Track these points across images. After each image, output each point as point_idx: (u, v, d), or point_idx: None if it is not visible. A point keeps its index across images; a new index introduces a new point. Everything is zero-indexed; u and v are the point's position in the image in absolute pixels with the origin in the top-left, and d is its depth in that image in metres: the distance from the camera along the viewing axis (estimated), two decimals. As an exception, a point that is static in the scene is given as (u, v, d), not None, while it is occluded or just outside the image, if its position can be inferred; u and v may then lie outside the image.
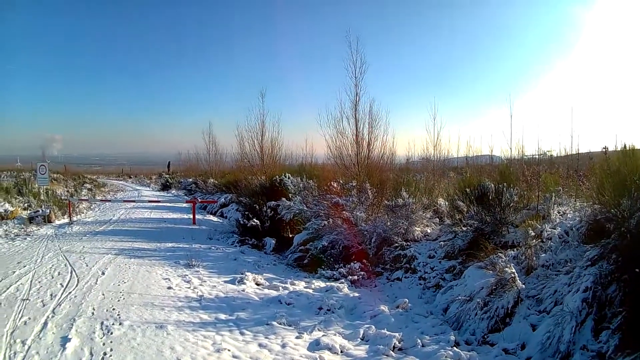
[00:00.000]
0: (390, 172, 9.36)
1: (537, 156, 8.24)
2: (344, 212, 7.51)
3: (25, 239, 10.57)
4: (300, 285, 6.12)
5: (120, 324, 4.70)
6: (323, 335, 4.24)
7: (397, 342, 3.86)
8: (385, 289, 6.21)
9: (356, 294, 5.72)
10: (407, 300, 5.08)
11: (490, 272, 4.44)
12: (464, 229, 6.16)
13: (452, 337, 3.86)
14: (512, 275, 4.13)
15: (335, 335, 4.29)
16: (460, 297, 4.51)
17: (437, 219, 7.34)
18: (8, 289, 6.09)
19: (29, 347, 4.14)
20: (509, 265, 4.27)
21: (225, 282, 6.56)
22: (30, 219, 13.38)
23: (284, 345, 4.07)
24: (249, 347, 4.08)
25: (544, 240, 4.92)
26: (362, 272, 6.40)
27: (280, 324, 4.60)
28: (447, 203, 7.38)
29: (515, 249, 5.01)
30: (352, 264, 6.54)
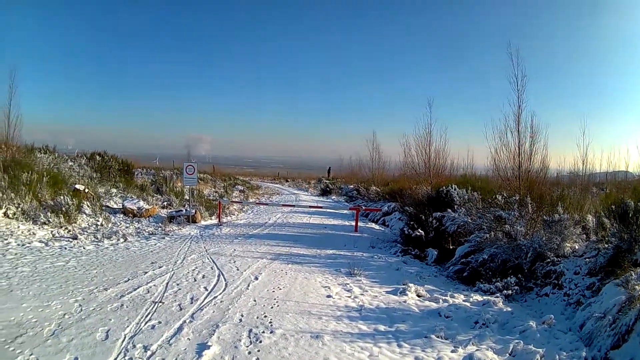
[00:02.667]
0: (545, 186, 9.68)
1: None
2: (505, 225, 8.02)
3: (164, 238, 11.14)
4: (459, 299, 6.64)
5: (271, 332, 4.98)
6: (476, 350, 4.64)
7: (539, 358, 4.38)
8: (534, 304, 6.60)
9: (509, 309, 6.13)
10: (553, 316, 5.51)
11: (623, 289, 4.93)
12: (606, 246, 6.50)
13: (583, 354, 4.44)
14: (640, 292, 4.61)
15: (487, 349, 4.69)
16: (596, 314, 5.00)
17: (584, 235, 7.62)
18: (135, 290, 6.34)
19: (153, 354, 4.27)
20: (638, 283, 4.78)
21: (387, 292, 7.00)
22: (171, 218, 13.99)
23: (439, 359, 4.47)
24: (406, 361, 4.45)
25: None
26: (516, 287, 6.94)
27: (438, 337, 5.01)
28: (594, 219, 7.65)
29: (643, 267, 5.34)
30: (508, 278, 7.10)
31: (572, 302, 6.11)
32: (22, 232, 10.08)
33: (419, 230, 10.78)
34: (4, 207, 11.30)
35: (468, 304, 6.37)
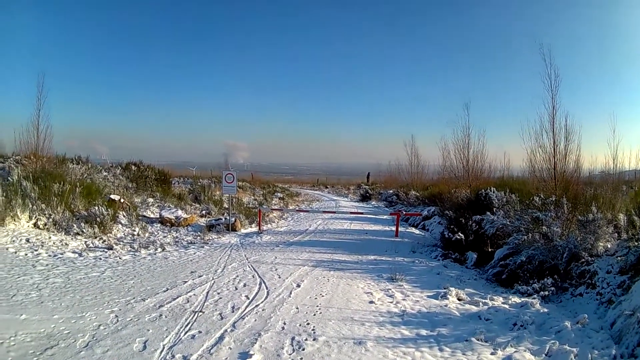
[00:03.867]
0: (578, 186, 9.72)
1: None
2: (542, 227, 8.11)
3: (203, 247, 11.05)
4: (498, 301, 6.72)
5: (314, 339, 4.96)
6: (515, 352, 4.74)
7: (573, 357, 4.48)
8: (569, 304, 6.68)
9: (545, 310, 6.21)
10: (586, 315, 5.62)
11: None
12: (636, 244, 6.62)
13: (613, 352, 4.60)
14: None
15: (525, 351, 4.77)
16: (625, 312, 5.14)
17: (616, 234, 7.71)
18: (175, 299, 6.27)
19: (192, 363, 4.25)
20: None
21: (429, 296, 7.06)
22: (210, 227, 13.90)
23: None
24: (447, 364, 4.53)
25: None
26: (552, 288, 7.07)
27: (478, 340, 5.06)
28: (625, 218, 7.74)
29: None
30: (545, 279, 7.24)
31: (604, 301, 6.21)
32: (54, 243, 9.94)
33: (459, 233, 10.91)
34: (33, 218, 11.25)
35: (507, 306, 6.46)
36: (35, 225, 11.13)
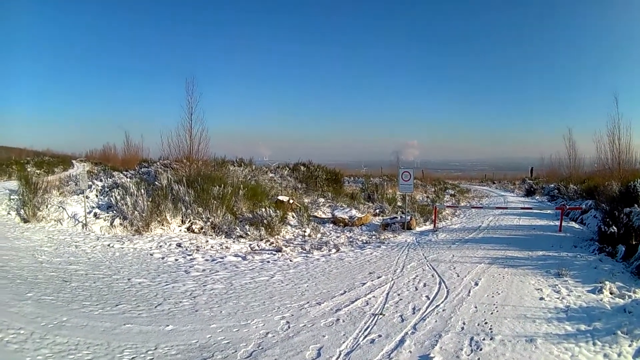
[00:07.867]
0: None
1: None
2: None
3: (379, 247, 10.84)
4: (639, 294, 6.96)
5: (491, 339, 4.97)
6: None
7: None
8: None
9: None
10: None
11: None
12: None
13: None
14: None
15: None
16: None
17: None
18: (353, 302, 6.12)
19: (371, 370, 4.04)
20: None
21: (588, 291, 7.19)
22: (385, 226, 13.85)
23: (619, 354, 4.76)
24: (597, 358, 4.69)
25: None
26: None
27: (622, 333, 5.27)
28: None
29: None
30: None
31: None
32: (212, 247, 9.69)
33: (613, 227, 10.97)
34: (187, 222, 11.22)
35: (645, 300, 6.63)
36: (189, 229, 11.14)
